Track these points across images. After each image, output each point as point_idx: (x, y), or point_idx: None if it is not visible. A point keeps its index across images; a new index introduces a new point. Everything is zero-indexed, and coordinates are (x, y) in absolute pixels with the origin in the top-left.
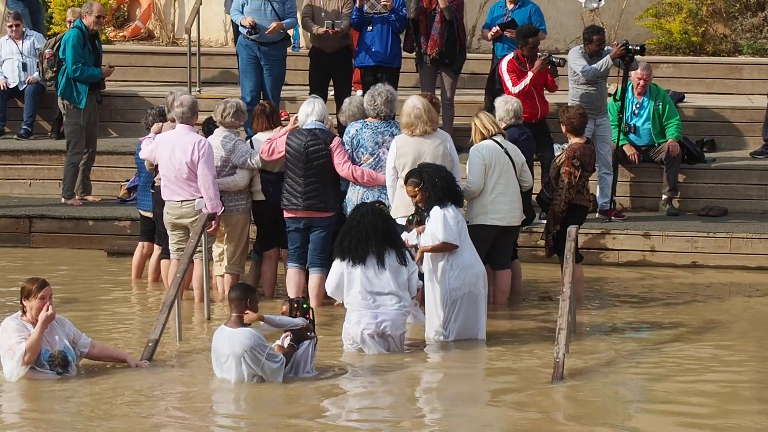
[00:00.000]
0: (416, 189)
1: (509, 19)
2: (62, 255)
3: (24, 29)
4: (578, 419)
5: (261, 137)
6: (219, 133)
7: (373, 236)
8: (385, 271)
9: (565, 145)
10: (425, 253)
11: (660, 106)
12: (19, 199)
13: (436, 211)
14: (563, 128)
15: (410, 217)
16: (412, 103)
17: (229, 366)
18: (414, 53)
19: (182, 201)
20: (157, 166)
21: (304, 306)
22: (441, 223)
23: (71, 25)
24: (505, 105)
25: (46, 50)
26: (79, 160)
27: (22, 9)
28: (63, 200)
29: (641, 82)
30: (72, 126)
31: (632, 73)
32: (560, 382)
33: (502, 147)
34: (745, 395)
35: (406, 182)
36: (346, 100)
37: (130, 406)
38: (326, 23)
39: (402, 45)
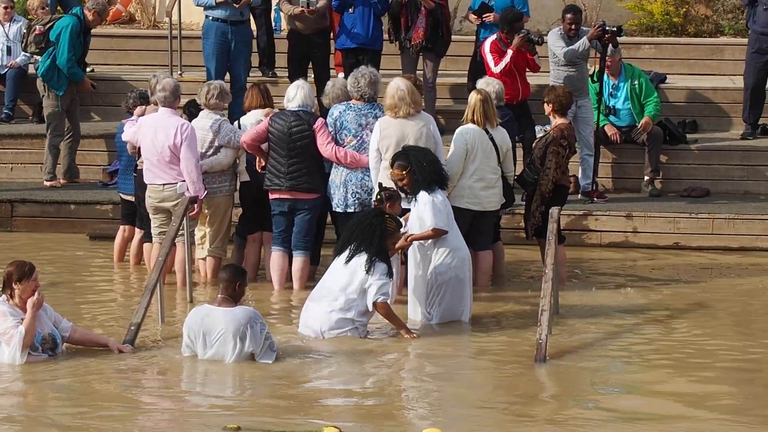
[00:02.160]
0: (403, 172)
1: (490, 2)
2: (44, 239)
3: (13, 14)
4: (561, 400)
5: (250, 118)
6: (204, 115)
7: (354, 234)
8: (346, 270)
9: (547, 127)
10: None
11: (636, 86)
12: (1, 184)
13: (424, 197)
14: (549, 108)
15: (378, 196)
16: (396, 85)
17: (221, 344)
18: (397, 42)
19: (164, 184)
20: (139, 149)
21: None
22: (430, 209)
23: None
24: (487, 87)
25: (38, 26)
26: (60, 141)
27: None
28: (45, 183)
29: (607, 65)
30: (51, 108)
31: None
32: (543, 363)
33: (488, 132)
34: (728, 376)
35: (392, 165)
36: (329, 83)
37: (111, 391)
38: (301, 2)
39: (387, 34)
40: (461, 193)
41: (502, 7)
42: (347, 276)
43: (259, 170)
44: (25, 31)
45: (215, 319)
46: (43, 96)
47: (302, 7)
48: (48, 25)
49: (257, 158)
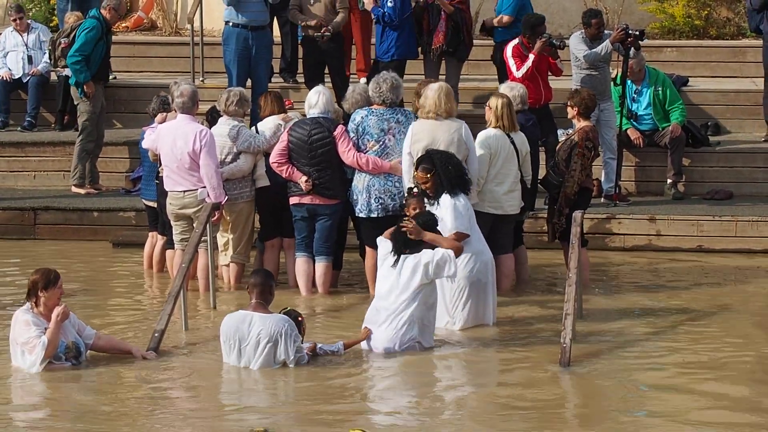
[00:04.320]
0: (428, 175)
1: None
2: (67, 247)
3: (29, 21)
4: (585, 404)
5: (268, 123)
6: (223, 122)
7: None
8: (394, 276)
9: (570, 130)
10: None
11: (660, 92)
12: (24, 192)
13: (446, 200)
14: (574, 111)
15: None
16: (432, 88)
17: (255, 350)
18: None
19: (184, 191)
20: (160, 156)
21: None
22: (452, 212)
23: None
24: (511, 91)
25: (62, 39)
26: (92, 147)
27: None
28: (73, 188)
29: (629, 72)
30: (88, 114)
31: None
32: (567, 367)
33: (509, 136)
34: (753, 378)
35: (417, 168)
36: (350, 88)
37: (137, 397)
38: (316, 35)
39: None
40: (482, 198)
41: (499, 12)
42: (398, 283)
43: (306, 190)
44: (44, 40)
45: (251, 324)
46: (77, 103)
47: (317, 36)
48: (71, 35)
49: (289, 170)
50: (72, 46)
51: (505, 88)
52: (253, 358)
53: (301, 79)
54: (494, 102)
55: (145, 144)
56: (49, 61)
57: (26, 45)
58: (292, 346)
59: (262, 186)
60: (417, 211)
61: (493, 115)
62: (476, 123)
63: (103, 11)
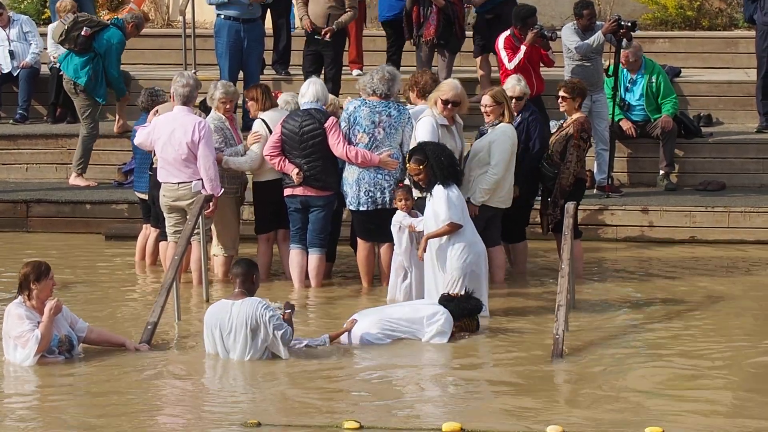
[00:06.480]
0: (420, 167)
1: None
2: (60, 239)
3: (10, 15)
4: (578, 395)
5: (273, 117)
6: (213, 115)
7: None
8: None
9: (562, 121)
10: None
11: (654, 83)
12: (16, 184)
13: (439, 191)
14: (576, 103)
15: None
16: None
17: (235, 339)
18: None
19: (179, 183)
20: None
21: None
22: (445, 203)
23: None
24: (520, 82)
25: (86, 27)
26: (96, 134)
27: None
28: (73, 178)
29: (623, 61)
30: (91, 107)
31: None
32: (560, 358)
33: None
34: (745, 369)
35: (409, 160)
36: (366, 76)
37: (128, 390)
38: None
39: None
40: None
41: None
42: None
43: (297, 182)
44: (28, 30)
45: (230, 313)
46: (72, 93)
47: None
48: (94, 29)
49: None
50: (90, 37)
51: (513, 80)
52: (234, 348)
53: (293, 71)
54: (500, 96)
55: (136, 140)
56: (42, 50)
57: (8, 38)
58: (270, 323)
59: (267, 180)
60: (405, 201)
61: (507, 109)
62: (470, 115)
63: (127, 26)
